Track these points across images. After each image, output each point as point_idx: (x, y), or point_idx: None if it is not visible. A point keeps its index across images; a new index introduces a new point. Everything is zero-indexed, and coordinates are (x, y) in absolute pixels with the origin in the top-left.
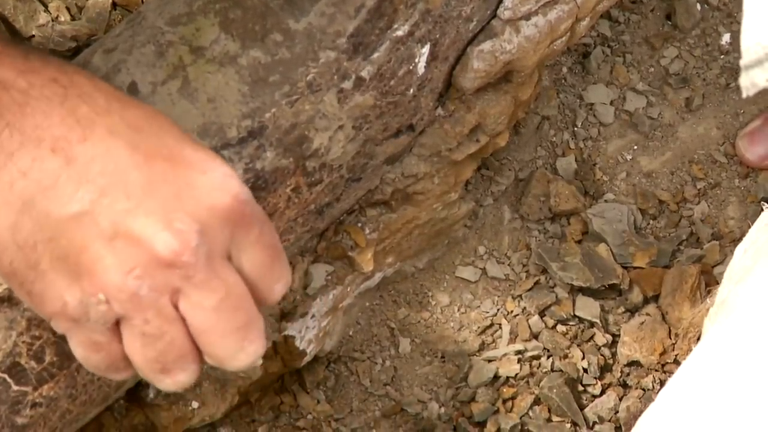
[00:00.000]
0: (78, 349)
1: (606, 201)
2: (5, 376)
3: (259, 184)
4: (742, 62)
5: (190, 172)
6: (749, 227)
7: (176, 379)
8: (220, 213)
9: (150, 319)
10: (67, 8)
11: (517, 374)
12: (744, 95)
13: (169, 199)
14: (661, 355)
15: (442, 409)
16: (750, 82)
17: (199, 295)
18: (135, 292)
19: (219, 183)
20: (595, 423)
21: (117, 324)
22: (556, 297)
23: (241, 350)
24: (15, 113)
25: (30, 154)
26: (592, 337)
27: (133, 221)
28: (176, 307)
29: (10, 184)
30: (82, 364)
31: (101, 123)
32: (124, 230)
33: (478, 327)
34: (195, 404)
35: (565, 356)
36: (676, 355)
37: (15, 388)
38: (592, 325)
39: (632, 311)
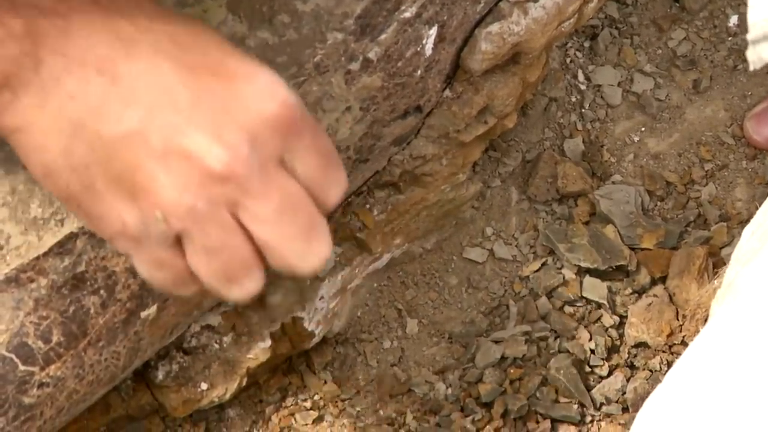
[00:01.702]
0: (142, 267)
1: (613, 182)
2: (12, 355)
3: None
4: (749, 37)
5: (236, 83)
6: (757, 209)
7: (243, 288)
8: (270, 120)
9: (210, 232)
10: None
11: (524, 355)
12: (751, 68)
13: (217, 112)
14: (668, 336)
15: (449, 390)
16: (757, 56)
17: (258, 205)
18: (192, 207)
19: (266, 91)
20: (602, 404)
21: (179, 240)
22: (564, 278)
23: (309, 252)
24: (57, 38)
25: (76, 76)
26: (599, 319)
27: (183, 137)
28: (236, 219)
29: (59, 109)
30: (148, 282)
31: (145, 41)
32: (175, 146)
33: (486, 308)
34: (204, 386)
35: (573, 337)
36: (683, 337)
37: (22, 367)
38: (599, 306)
39: (640, 292)
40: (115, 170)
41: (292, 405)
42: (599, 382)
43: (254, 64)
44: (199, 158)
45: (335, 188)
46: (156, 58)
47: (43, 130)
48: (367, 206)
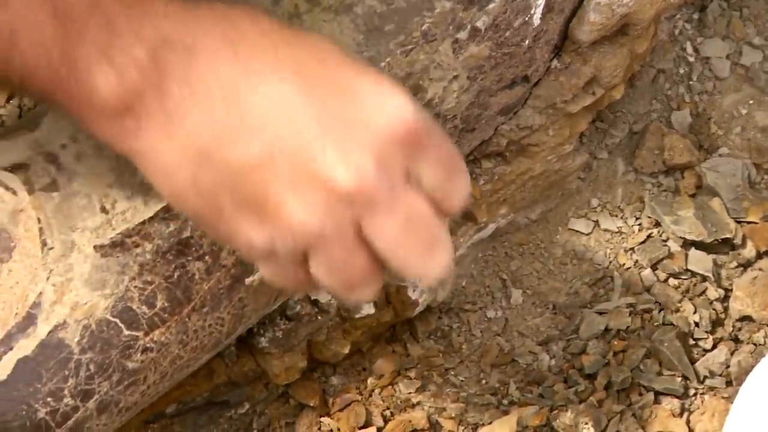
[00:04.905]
0: (266, 274)
1: (720, 155)
2: (117, 320)
3: None
4: None
5: (362, 104)
6: None
7: (362, 295)
8: (396, 138)
9: (334, 251)
10: None
11: (628, 327)
12: None
13: (343, 135)
14: None
15: (553, 361)
16: None
17: (383, 223)
18: (320, 229)
19: (391, 108)
20: (706, 377)
21: (304, 254)
22: (669, 250)
23: (431, 263)
24: (182, 68)
25: (201, 106)
26: (704, 291)
27: (310, 161)
28: (359, 233)
29: (186, 139)
30: (269, 284)
31: (267, 66)
32: (303, 170)
33: (590, 279)
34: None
35: (677, 310)
36: None
37: (126, 332)
38: (704, 279)
39: (745, 266)
40: (243, 195)
41: (395, 373)
42: (703, 355)
43: (377, 80)
44: (327, 180)
45: (459, 194)
46: (281, 87)
47: (169, 158)
48: (474, 176)
